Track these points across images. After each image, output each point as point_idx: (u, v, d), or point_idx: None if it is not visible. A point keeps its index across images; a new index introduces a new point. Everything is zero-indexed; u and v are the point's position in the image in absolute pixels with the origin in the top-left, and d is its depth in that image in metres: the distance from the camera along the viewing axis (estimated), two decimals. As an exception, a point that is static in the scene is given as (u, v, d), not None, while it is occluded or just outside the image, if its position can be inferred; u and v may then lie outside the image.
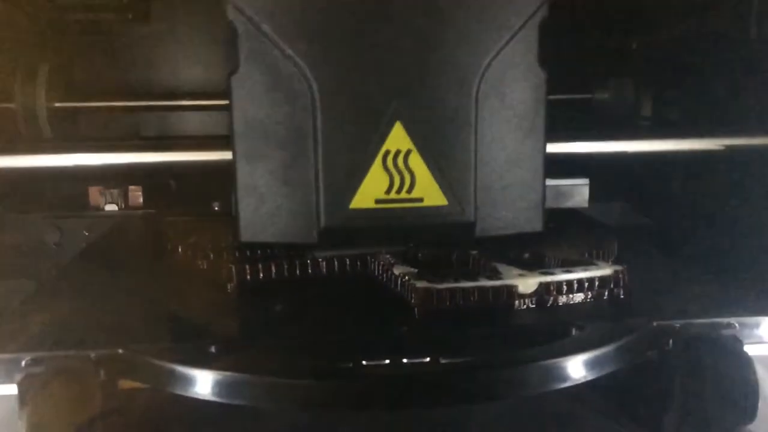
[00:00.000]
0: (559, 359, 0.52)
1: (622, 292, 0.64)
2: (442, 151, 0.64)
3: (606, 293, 0.63)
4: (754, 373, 0.56)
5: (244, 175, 0.64)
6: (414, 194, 0.64)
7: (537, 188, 0.67)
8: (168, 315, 0.62)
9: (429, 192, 0.64)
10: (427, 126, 0.63)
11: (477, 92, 0.64)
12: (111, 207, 0.96)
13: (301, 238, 0.65)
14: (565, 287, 0.62)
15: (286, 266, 0.68)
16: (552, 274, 0.63)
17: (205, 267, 0.72)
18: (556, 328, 0.58)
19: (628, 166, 0.97)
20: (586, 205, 0.75)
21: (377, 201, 0.63)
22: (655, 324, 0.58)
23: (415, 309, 0.59)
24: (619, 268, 0.64)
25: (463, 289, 0.60)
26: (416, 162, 0.63)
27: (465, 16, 0.63)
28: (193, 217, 0.90)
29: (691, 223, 0.90)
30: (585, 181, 0.75)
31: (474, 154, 0.64)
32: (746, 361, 0.56)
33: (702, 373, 0.56)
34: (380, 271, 0.67)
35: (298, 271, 0.69)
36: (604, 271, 0.64)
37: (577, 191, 0.76)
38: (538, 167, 0.67)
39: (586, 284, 0.63)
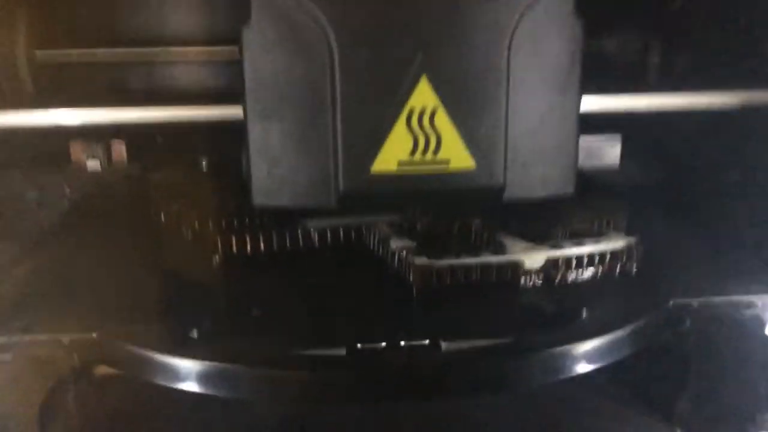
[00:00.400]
0: (566, 347, 0.50)
1: (634, 266, 0.60)
2: (470, 109, 0.59)
3: (618, 267, 0.60)
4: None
5: (256, 136, 0.59)
6: (440, 156, 0.59)
7: (570, 148, 0.63)
8: (148, 293, 0.58)
9: (456, 154, 0.60)
10: (454, 81, 0.59)
11: (510, 45, 0.59)
12: (93, 163, 0.89)
13: (318, 202, 0.60)
14: (574, 262, 0.59)
15: (275, 238, 0.65)
16: (560, 247, 0.59)
17: (191, 236, 0.69)
18: (565, 309, 0.55)
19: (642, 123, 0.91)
20: (617, 164, 0.71)
21: (400, 163, 0.59)
22: (671, 303, 0.55)
23: (414, 288, 0.56)
24: (631, 240, 0.61)
25: (465, 266, 0.57)
26: (443, 121, 0.59)
27: (499, -40, 0.58)
28: (180, 176, 0.84)
29: (708, 187, 0.85)
30: (617, 137, 0.71)
31: (505, 113, 0.60)
32: None
33: (721, 356, 0.53)
34: (376, 244, 0.64)
35: (288, 243, 0.66)
36: (616, 243, 0.60)
37: (609, 149, 0.71)
38: (572, 125, 0.63)
39: (597, 258, 0.60)
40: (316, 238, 0.67)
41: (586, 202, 0.68)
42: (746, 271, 0.61)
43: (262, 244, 0.66)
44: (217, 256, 0.64)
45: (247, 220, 0.68)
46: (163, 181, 0.81)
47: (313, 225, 0.66)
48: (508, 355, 0.50)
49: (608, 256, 0.60)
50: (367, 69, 0.58)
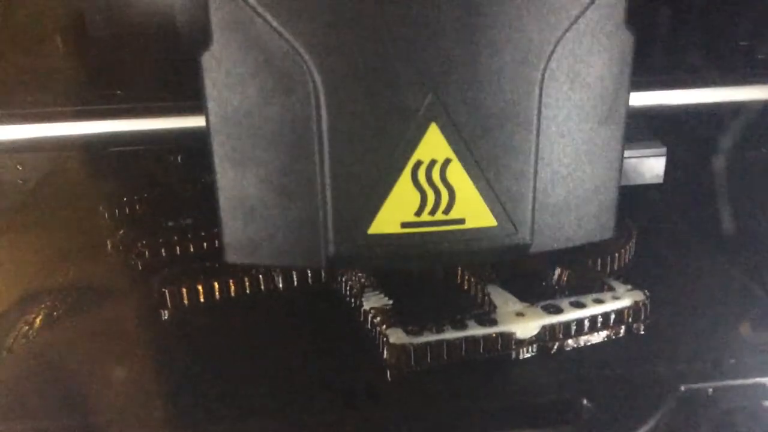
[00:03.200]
0: None
1: (642, 327, 0.54)
2: (491, 159, 0.47)
3: (623, 329, 0.53)
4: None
5: (227, 182, 0.48)
6: (453, 215, 0.48)
7: (612, 186, 0.51)
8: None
9: (473, 211, 0.48)
10: (472, 126, 0.46)
11: (543, 75, 0.46)
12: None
13: (305, 262, 0.50)
14: (573, 328, 0.52)
15: (232, 284, 0.58)
16: (558, 310, 0.52)
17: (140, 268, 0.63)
18: (560, 402, 0.48)
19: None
20: (660, 180, 0.59)
21: (404, 225, 0.48)
22: (683, 389, 0.48)
23: (387, 370, 0.49)
24: (639, 296, 0.54)
25: (448, 342, 0.50)
26: (457, 174, 0.47)
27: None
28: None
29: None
30: (662, 150, 0.58)
31: (534, 158, 0.48)
32: None
33: None
34: (348, 294, 0.57)
35: (248, 288, 0.59)
36: (622, 302, 0.53)
37: (652, 165, 0.59)
38: (615, 160, 0.51)
39: (600, 322, 0.53)
40: (279, 279, 0.59)
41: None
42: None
43: (216, 293, 0.58)
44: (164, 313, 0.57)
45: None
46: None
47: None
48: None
49: (612, 318, 0.53)
50: (361, 111, 0.46)
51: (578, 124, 0.48)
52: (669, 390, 0.48)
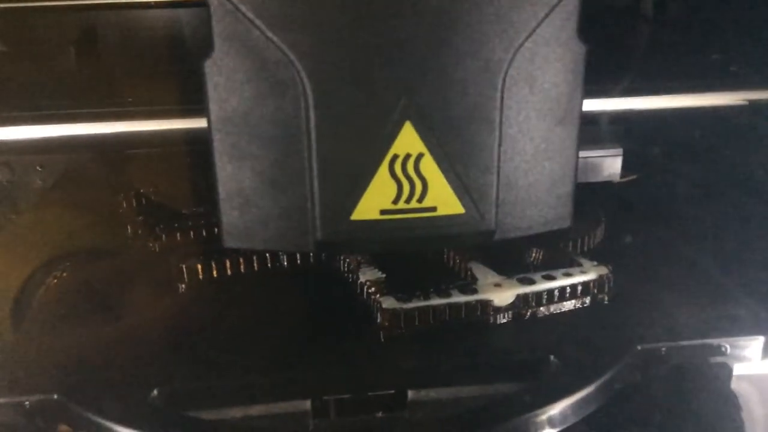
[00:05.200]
0: (532, 414, 0.48)
1: (606, 297, 0.60)
2: (459, 153, 0.54)
3: (589, 300, 0.59)
4: (740, 416, 0.52)
5: (225, 176, 0.54)
6: (426, 203, 0.54)
7: (567, 181, 0.57)
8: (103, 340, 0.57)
9: (443, 200, 0.54)
10: (442, 125, 0.53)
11: (504, 80, 0.52)
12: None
13: (295, 246, 0.56)
14: (545, 297, 0.58)
15: (242, 261, 0.64)
16: (531, 281, 0.58)
17: (157, 250, 0.69)
18: (530, 359, 0.54)
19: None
20: (618, 178, 0.65)
21: (383, 212, 0.54)
22: (639, 348, 0.53)
23: (381, 331, 0.55)
24: (603, 270, 0.60)
25: (434, 308, 0.56)
26: (429, 167, 0.54)
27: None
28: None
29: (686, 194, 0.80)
30: (618, 151, 0.65)
31: (497, 153, 0.54)
32: (734, 403, 0.53)
33: (685, 407, 0.52)
34: (347, 270, 0.63)
35: (256, 266, 0.65)
36: (588, 275, 0.59)
37: (609, 164, 0.65)
38: (570, 156, 0.57)
39: (568, 292, 0.59)
40: (285, 259, 0.65)
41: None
42: (716, 303, 0.59)
43: (228, 269, 0.64)
44: (181, 285, 0.63)
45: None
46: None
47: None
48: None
49: (579, 289, 0.59)
50: (345, 111, 0.52)
51: (537, 124, 0.54)
52: (626, 349, 0.53)
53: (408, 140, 0.53)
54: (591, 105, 0.67)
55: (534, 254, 0.64)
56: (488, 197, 0.55)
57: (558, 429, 0.49)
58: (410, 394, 0.51)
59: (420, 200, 0.54)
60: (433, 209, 0.55)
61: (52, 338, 0.56)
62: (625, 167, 0.77)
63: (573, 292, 0.59)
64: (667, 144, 0.82)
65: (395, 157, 0.53)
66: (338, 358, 0.54)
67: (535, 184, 0.56)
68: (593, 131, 0.72)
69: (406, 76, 0.51)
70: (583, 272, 0.60)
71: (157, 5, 0.84)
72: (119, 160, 0.81)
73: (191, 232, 0.70)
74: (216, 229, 0.69)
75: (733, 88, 0.73)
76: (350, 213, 0.54)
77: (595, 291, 0.59)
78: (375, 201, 0.54)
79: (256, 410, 0.51)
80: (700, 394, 0.53)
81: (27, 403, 0.49)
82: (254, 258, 0.65)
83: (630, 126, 0.76)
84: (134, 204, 0.76)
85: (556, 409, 0.48)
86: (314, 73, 0.51)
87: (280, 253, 0.65)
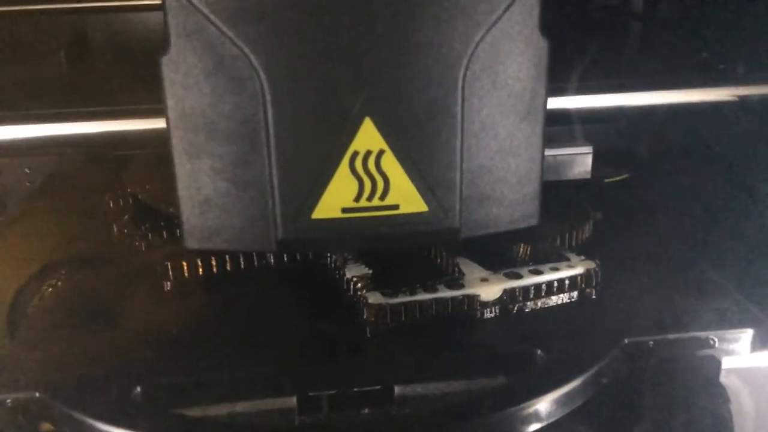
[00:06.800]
0: (519, 408, 0.48)
1: (594, 292, 0.59)
2: (420, 150, 0.53)
3: (576, 294, 0.59)
4: (729, 409, 0.51)
5: (185, 174, 0.54)
6: (388, 201, 0.53)
7: (533, 177, 0.57)
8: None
9: (406, 198, 0.54)
10: (402, 121, 0.52)
11: (464, 75, 0.51)
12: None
13: (257, 245, 0.55)
14: (532, 292, 0.58)
15: (228, 259, 0.63)
16: (518, 276, 0.58)
17: (143, 249, 0.68)
18: (517, 353, 0.54)
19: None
20: (588, 176, 0.65)
21: (344, 210, 0.53)
22: (627, 342, 0.53)
23: (367, 327, 0.55)
24: (591, 264, 0.59)
25: (420, 303, 0.55)
26: (390, 164, 0.53)
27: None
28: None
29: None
30: (588, 148, 0.65)
31: (459, 150, 0.53)
32: (723, 395, 0.52)
33: (673, 400, 0.51)
34: (333, 266, 0.62)
35: (242, 263, 0.64)
36: (575, 270, 0.59)
37: (579, 161, 0.65)
38: (536, 153, 0.56)
39: (555, 287, 0.58)
40: (271, 256, 0.65)
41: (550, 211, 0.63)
42: (704, 299, 0.58)
43: (214, 266, 0.64)
44: (167, 284, 0.63)
45: None
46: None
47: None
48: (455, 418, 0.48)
49: (567, 283, 0.58)
50: (303, 108, 0.51)
51: (500, 120, 0.54)
52: (614, 342, 0.53)
53: (368, 137, 0.52)
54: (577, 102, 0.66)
55: (522, 250, 0.63)
56: (452, 194, 0.54)
57: (545, 423, 0.48)
58: (397, 389, 0.51)
59: (382, 198, 0.53)
60: (396, 207, 0.54)
61: (36, 338, 0.56)
62: (616, 165, 0.77)
63: (560, 286, 0.58)
64: (657, 141, 0.82)
65: (356, 153, 0.52)
66: (324, 354, 0.54)
67: (501, 181, 0.55)
68: (576, 130, 0.71)
69: (365, 71, 0.50)
70: (570, 267, 0.59)
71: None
72: (107, 161, 0.82)
73: (177, 231, 0.69)
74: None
75: (722, 84, 0.72)
76: (311, 211, 0.53)
77: (583, 285, 0.59)
78: (336, 199, 0.53)
79: (241, 407, 0.51)
80: (689, 388, 0.52)
81: (8, 401, 0.48)
82: (240, 255, 0.64)
83: (620, 124, 0.76)
84: (121, 204, 0.76)
85: (542, 403, 0.48)
86: (271, 69, 0.50)
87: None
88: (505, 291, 0.57)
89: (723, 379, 0.53)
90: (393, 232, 0.54)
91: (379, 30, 0.50)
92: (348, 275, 0.59)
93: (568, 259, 0.60)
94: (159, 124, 0.68)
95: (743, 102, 0.71)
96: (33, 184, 0.84)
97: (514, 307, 0.57)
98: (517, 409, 0.47)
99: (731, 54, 0.77)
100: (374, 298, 0.55)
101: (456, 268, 0.60)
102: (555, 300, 0.58)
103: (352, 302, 0.58)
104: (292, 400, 0.50)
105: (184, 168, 0.53)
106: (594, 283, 0.59)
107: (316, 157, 0.52)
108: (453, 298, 0.56)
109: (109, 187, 0.77)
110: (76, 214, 0.76)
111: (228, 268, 0.64)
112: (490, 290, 0.57)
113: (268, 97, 0.50)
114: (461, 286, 0.57)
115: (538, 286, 0.58)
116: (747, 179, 0.74)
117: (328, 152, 0.52)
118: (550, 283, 0.58)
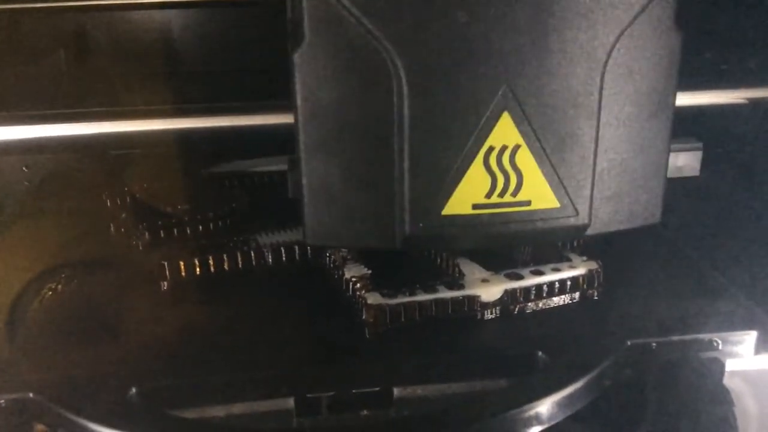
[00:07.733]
0: (521, 410, 0.46)
1: (596, 293, 0.58)
2: (556, 145, 0.52)
3: (579, 295, 0.58)
4: (733, 412, 0.50)
5: (311, 171, 0.53)
6: (520, 197, 0.53)
7: (660, 175, 0.56)
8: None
9: (538, 193, 0.53)
10: (540, 116, 0.51)
11: (604, 71, 0.51)
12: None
13: (380, 243, 0.54)
14: (533, 293, 0.57)
15: (226, 259, 0.62)
16: (519, 277, 0.57)
17: (140, 249, 0.68)
18: (518, 355, 0.52)
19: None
20: (697, 173, 0.64)
21: (475, 206, 0.53)
22: (629, 343, 0.52)
23: (366, 328, 0.54)
24: (593, 265, 0.58)
25: (420, 304, 0.54)
26: (525, 159, 0.52)
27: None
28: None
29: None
30: (698, 145, 0.63)
31: (594, 147, 0.52)
32: (726, 397, 0.51)
33: (677, 403, 0.50)
34: (332, 266, 0.61)
35: (240, 263, 0.63)
36: (577, 270, 0.58)
37: (689, 159, 0.64)
38: (664, 149, 0.55)
39: (557, 288, 0.57)
40: (270, 256, 0.63)
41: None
42: (707, 298, 0.58)
43: (212, 266, 0.62)
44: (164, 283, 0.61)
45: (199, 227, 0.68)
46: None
47: (266, 241, 0.64)
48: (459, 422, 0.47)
49: (569, 284, 0.57)
50: (441, 102, 0.50)
51: (633, 116, 0.53)
52: (616, 344, 0.51)
53: (505, 132, 0.51)
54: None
55: (524, 251, 0.62)
56: (583, 191, 0.53)
57: (546, 426, 0.47)
58: (396, 391, 0.50)
59: (514, 194, 0.53)
60: (528, 203, 0.53)
61: (31, 339, 0.55)
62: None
63: (562, 287, 0.57)
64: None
65: (491, 149, 0.51)
66: (323, 355, 0.53)
67: (629, 178, 0.55)
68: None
69: (505, 65, 0.50)
70: (572, 267, 0.58)
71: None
72: (105, 161, 0.81)
73: (175, 230, 0.69)
74: (200, 227, 0.70)
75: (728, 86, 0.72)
76: (442, 207, 0.53)
77: (585, 286, 0.58)
78: (468, 195, 0.52)
79: (238, 408, 0.49)
80: (692, 390, 0.51)
81: (2, 401, 0.47)
82: (238, 255, 0.63)
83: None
84: (118, 203, 0.75)
85: (544, 405, 0.47)
86: (410, 63, 0.49)
87: (264, 250, 0.63)
88: (505, 292, 0.56)
89: (726, 381, 0.53)
90: (523, 229, 0.54)
91: (521, 26, 0.49)
92: (347, 275, 0.58)
93: (569, 260, 0.59)
94: (160, 124, 0.68)
95: (753, 104, 0.70)
96: (31, 183, 0.83)
97: (515, 308, 0.56)
98: (518, 412, 0.46)
99: (736, 55, 0.76)
100: (373, 298, 0.54)
101: (456, 269, 0.59)
102: (556, 301, 0.57)
103: (351, 303, 0.57)
104: (290, 402, 0.49)
105: (311, 165, 0.52)
106: (596, 284, 0.58)
107: (451, 152, 0.51)
108: (453, 299, 0.55)
109: (108, 185, 0.77)
110: (74, 214, 0.75)
111: (226, 268, 0.63)
112: (491, 291, 0.56)
113: (406, 92, 0.50)
114: (461, 287, 0.56)
115: (539, 287, 0.57)
116: (752, 181, 0.74)
117: (463, 147, 0.51)
118: (551, 284, 0.57)
